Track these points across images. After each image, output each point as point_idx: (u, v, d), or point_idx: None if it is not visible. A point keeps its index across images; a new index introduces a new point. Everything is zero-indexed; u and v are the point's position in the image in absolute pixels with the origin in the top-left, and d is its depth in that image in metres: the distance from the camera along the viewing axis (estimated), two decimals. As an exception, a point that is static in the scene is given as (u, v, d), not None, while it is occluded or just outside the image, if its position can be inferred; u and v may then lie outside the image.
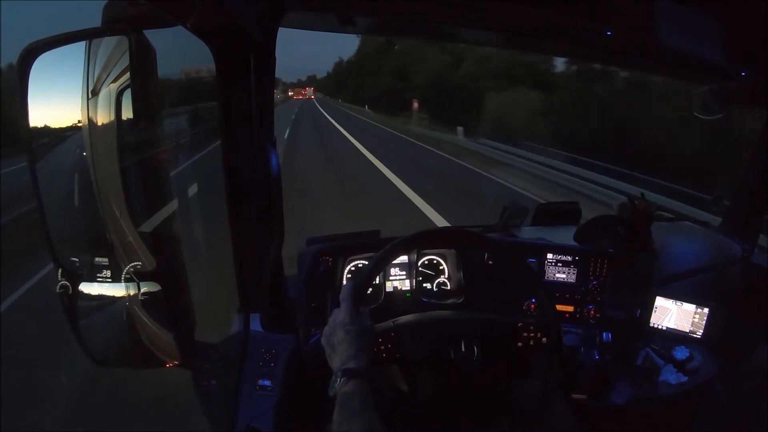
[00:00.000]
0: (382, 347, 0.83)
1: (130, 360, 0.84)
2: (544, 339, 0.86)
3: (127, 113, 0.66)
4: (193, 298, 0.78)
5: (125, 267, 0.69)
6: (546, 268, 1.22)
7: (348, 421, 0.60)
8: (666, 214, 1.36)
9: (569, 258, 1.21)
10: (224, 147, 0.82)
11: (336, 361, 0.69)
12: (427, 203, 5.81)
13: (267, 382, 0.88)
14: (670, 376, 1.03)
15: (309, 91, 71.73)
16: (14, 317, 2.92)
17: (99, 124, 0.68)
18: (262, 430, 0.82)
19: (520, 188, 7.06)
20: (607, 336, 1.05)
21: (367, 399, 0.63)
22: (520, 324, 0.87)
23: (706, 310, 1.06)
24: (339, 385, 0.64)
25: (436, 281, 1.18)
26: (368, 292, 1.06)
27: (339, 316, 0.73)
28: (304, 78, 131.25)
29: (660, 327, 1.11)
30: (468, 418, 0.85)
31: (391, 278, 1.15)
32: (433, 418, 0.84)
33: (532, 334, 0.86)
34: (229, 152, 0.83)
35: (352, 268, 1.12)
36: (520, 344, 0.86)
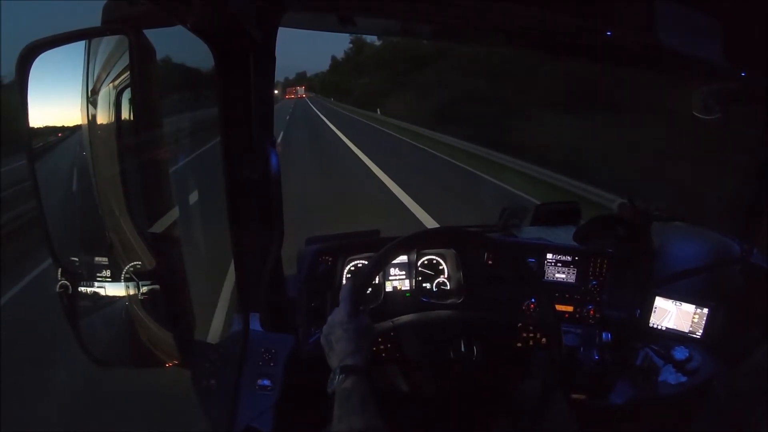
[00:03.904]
0: (382, 347, 0.83)
1: (129, 360, 0.84)
2: (543, 339, 0.86)
3: (126, 113, 0.66)
4: (192, 298, 0.78)
5: (125, 267, 0.69)
6: (546, 268, 1.21)
7: (347, 417, 0.61)
8: (665, 214, 1.36)
9: (569, 258, 1.20)
10: (224, 147, 0.82)
11: (334, 360, 0.70)
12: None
13: (267, 382, 0.87)
14: (670, 376, 1.03)
15: (300, 90, 69.77)
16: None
17: (99, 123, 0.68)
18: (261, 429, 0.82)
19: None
20: (606, 336, 1.05)
21: (366, 395, 0.63)
22: (519, 324, 0.87)
23: (705, 310, 1.06)
24: (337, 383, 0.65)
25: (436, 281, 1.18)
26: (368, 291, 1.06)
27: (337, 315, 0.73)
28: (292, 76, 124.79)
29: (659, 327, 1.11)
30: (468, 418, 0.85)
31: (390, 278, 1.15)
32: (434, 417, 0.84)
33: (531, 335, 0.86)
34: (228, 152, 0.83)
35: (352, 268, 1.12)
36: (519, 344, 0.86)
